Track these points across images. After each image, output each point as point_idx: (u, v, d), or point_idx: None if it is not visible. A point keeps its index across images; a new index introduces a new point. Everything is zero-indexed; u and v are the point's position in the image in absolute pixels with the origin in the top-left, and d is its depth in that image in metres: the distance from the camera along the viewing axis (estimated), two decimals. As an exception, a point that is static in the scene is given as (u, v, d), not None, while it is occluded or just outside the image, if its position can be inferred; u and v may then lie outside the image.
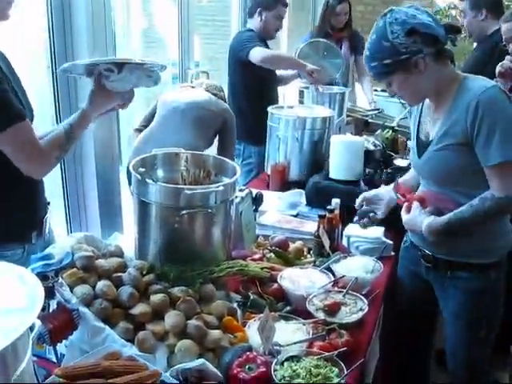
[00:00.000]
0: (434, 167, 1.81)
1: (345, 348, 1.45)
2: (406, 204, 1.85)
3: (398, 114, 3.70)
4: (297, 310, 1.68)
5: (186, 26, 3.68)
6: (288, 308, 1.69)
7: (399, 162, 2.97)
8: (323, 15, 4.31)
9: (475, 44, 3.69)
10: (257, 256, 1.93)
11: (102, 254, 1.65)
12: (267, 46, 3.46)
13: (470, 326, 1.91)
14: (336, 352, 1.42)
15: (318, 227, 2.07)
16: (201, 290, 1.57)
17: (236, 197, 1.87)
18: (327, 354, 1.41)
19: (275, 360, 1.38)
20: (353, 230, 2.17)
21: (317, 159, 2.86)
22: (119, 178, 2.68)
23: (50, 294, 1.38)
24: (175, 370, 1.31)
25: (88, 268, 1.51)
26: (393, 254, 2.15)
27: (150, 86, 1.85)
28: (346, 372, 1.35)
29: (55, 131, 1.71)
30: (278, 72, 3.65)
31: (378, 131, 3.40)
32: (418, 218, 1.79)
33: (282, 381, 1.33)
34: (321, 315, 1.62)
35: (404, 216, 1.85)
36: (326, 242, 2.02)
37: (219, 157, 2.01)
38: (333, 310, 1.64)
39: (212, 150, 3.01)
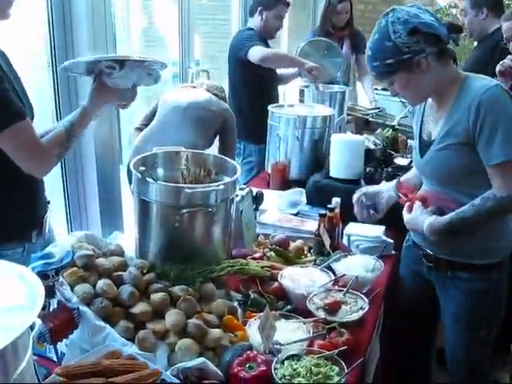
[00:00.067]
0: (436, 167, 1.81)
1: (345, 347, 1.45)
2: (407, 204, 1.85)
3: (399, 113, 3.69)
4: (297, 308, 1.68)
5: (186, 24, 3.68)
6: (288, 307, 1.69)
7: (399, 160, 2.97)
8: (324, 14, 4.31)
9: (475, 43, 3.69)
10: (257, 255, 1.93)
11: (103, 253, 1.65)
12: (267, 45, 3.46)
13: (470, 326, 1.91)
14: (336, 351, 1.42)
15: (319, 226, 2.07)
16: (201, 288, 1.57)
17: (236, 195, 1.87)
18: (328, 352, 1.41)
19: (276, 359, 1.38)
20: (353, 229, 2.17)
21: (317, 158, 2.86)
22: (119, 177, 2.68)
23: (50, 292, 1.37)
24: (176, 368, 1.31)
25: (88, 267, 1.51)
26: (393, 252, 2.15)
27: (150, 84, 1.84)
28: (346, 371, 1.35)
29: (56, 129, 1.71)
30: (279, 71, 3.65)
31: (379, 130, 3.40)
32: (419, 218, 1.79)
33: (283, 380, 1.33)
34: (321, 314, 1.62)
35: (406, 216, 1.85)
36: (327, 241, 2.02)
37: (220, 156, 2.01)
38: (333, 308, 1.64)
39: (212, 151, 3.00)
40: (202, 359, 1.33)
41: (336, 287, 1.77)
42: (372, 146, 2.94)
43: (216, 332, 1.44)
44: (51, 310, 1.38)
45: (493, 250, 1.83)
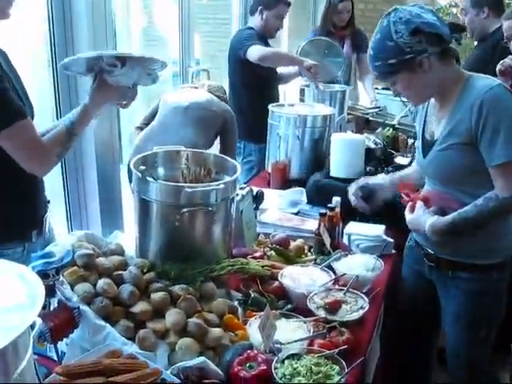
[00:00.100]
0: (439, 167, 1.80)
1: (345, 346, 1.45)
2: (409, 203, 1.85)
3: (399, 112, 3.69)
4: (297, 308, 1.68)
5: (186, 23, 3.68)
6: (289, 306, 1.69)
7: (400, 159, 2.97)
8: (325, 13, 4.30)
9: (475, 42, 3.69)
10: (257, 254, 1.93)
11: (103, 252, 1.65)
12: (267, 45, 3.46)
13: (470, 326, 1.91)
14: (337, 350, 1.42)
15: (319, 225, 2.07)
16: (201, 288, 1.57)
17: (237, 195, 1.87)
18: (328, 352, 1.41)
19: (276, 358, 1.39)
20: (353, 228, 2.17)
21: (317, 157, 2.86)
22: (120, 176, 2.68)
23: (50, 292, 1.37)
24: (176, 368, 1.31)
25: (89, 266, 1.51)
26: (393, 251, 2.15)
27: (148, 84, 1.84)
28: (346, 370, 1.35)
29: (56, 128, 1.71)
30: (279, 70, 3.65)
31: (379, 129, 3.40)
32: (421, 218, 1.79)
33: (283, 379, 1.33)
34: (321, 313, 1.62)
35: (408, 215, 1.85)
36: (327, 240, 2.02)
37: (220, 155, 2.01)
38: (333, 308, 1.64)
39: (213, 152, 3.00)
40: (202, 358, 1.33)
41: (336, 286, 1.77)
42: (372, 146, 2.94)
43: (216, 331, 1.44)
44: (51, 309, 1.38)
45: (495, 251, 1.83)
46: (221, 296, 1.61)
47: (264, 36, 3.48)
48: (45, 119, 2.26)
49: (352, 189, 2.14)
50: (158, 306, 1.47)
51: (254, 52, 3.20)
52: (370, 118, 3.65)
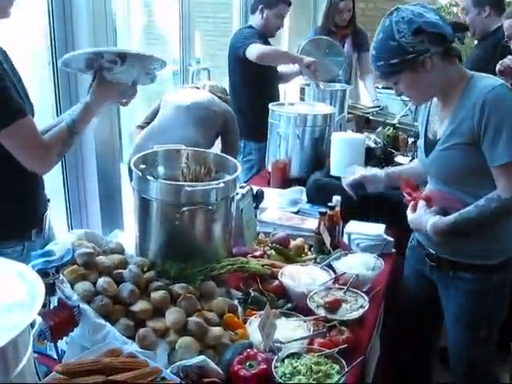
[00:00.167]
0: (441, 166, 1.80)
1: (345, 345, 1.45)
2: (412, 203, 1.85)
3: (400, 112, 3.70)
4: (297, 306, 1.68)
5: (187, 22, 3.68)
6: (289, 305, 1.69)
7: (400, 159, 2.97)
8: (326, 13, 4.29)
9: (475, 41, 3.68)
10: (257, 253, 1.93)
11: (103, 251, 1.65)
12: (268, 44, 3.45)
13: (470, 326, 1.91)
14: (337, 349, 1.42)
15: (319, 224, 2.07)
16: (201, 286, 1.57)
17: (237, 194, 1.87)
18: (328, 350, 1.41)
19: (276, 357, 1.39)
20: (354, 227, 2.17)
21: (318, 156, 2.86)
22: (120, 175, 2.68)
23: (50, 290, 1.37)
24: (176, 366, 1.31)
25: (89, 265, 1.51)
26: (393, 251, 2.15)
27: (147, 83, 1.84)
28: (346, 369, 1.35)
29: (57, 126, 1.71)
30: (279, 69, 3.65)
31: (379, 128, 3.40)
32: (423, 218, 1.79)
33: (283, 378, 1.33)
34: (321, 312, 1.62)
35: (410, 215, 1.84)
36: (327, 239, 2.02)
37: (220, 154, 2.01)
38: (333, 307, 1.64)
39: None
40: (202, 357, 1.33)
41: (336, 285, 1.77)
42: (372, 145, 2.94)
43: (216, 330, 1.44)
44: (51, 307, 1.38)
45: (495, 251, 1.82)
46: (221, 295, 1.61)
47: (264, 35, 3.48)
48: (45, 118, 2.26)
49: (347, 181, 2.17)
50: (158, 304, 1.47)
51: (253, 50, 3.20)
52: (371, 117, 3.66)
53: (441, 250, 1.88)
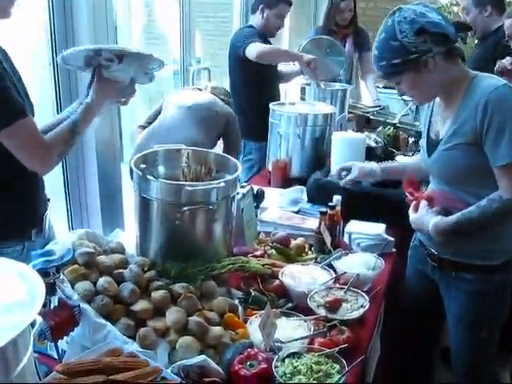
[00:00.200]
0: (443, 166, 1.80)
1: (346, 345, 1.45)
2: (413, 203, 1.84)
3: (400, 111, 3.69)
4: (298, 306, 1.68)
5: (187, 22, 3.68)
6: (289, 305, 1.69)
7: (400, 158, 2.97)
8: (328, 12, 4.29)
9: (476, 41, 3.68)
10: (258, 252, 1.93)
11: (104, 251, 1.65)
12: (268, 43, 3.45)
13: (471, 327, 1.91)
14: (337, 349, 1.42)
15: (320, 224, 2.06)
16: (202, 286, 1.57)
17: (237, 193, 1.87)
18: (328, 350, 1.41)
19: (276, 356, 1.38)
20: (354, 227, 2.17)
21: (318, 156, 2.86)
22: (121, 175, 2.68)
23: (51, 290, 1.37)
24: (176, 366, 1.31)
25: (89, 264, 1.51)
26: (394, 250, 2.14)
27: (145, 83, 1.85)
28: (347, 369, 1.35)
29: (59, 127, 1.70)
30: (280, 69, 3.64)
31: (380, 128, 3.40)
32: (425, 218, 1.79)
33: (283, 377, 1.33)
34: (322, 312, 1.62)
35: (411, 215, 1.84)
36: (328, 239, 2.02)
37: (220, 153, 2.01)
38: (334, 306, 1.64)
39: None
40: (202, 357, 1.33)
41: (337, 285, 1.77)
42: (373, 144, 2.94)
43: (217, 330, 1.44)
44: (52, 307, 1.38)
45: (497, 252, 1.82)
46: (221, 294, 1.61)
47: (264, 35, 3.47)
48: (45, 117, 2.26)
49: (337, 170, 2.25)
50: (158, 304, 1.47)
51: (253, 49, 3.20)
52: (371, 117, 3.66)
53: (443, 251, 1.88)
